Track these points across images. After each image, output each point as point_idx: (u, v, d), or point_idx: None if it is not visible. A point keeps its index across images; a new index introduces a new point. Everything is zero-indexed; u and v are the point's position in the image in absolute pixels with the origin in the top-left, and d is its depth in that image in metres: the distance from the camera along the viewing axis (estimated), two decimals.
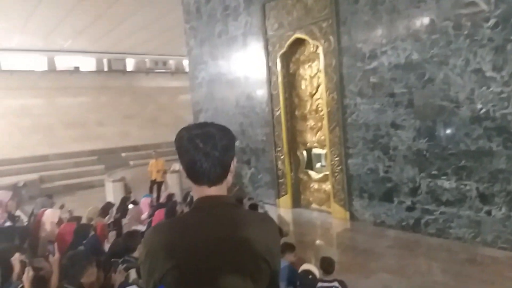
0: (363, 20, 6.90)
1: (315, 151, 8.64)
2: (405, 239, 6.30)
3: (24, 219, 7.74)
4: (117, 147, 19.09)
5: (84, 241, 4.79)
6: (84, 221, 6.11)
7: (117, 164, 16.78)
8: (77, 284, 3.16)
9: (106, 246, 5.17)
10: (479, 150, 5.60)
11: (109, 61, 20.90)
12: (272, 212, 8.13)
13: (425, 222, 6.31)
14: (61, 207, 8.07)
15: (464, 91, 5.68)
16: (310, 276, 3.85)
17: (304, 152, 8.78)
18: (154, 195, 10.63)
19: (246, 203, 6.92)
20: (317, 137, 8.35)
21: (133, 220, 7.07)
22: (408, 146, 6.43)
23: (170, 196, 8.23)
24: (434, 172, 6.13)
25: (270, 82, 8.89)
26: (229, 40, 9.93)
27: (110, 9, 12.79)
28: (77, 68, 19.86)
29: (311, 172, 8.66)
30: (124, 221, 6.84)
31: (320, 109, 8.10)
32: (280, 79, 8.66)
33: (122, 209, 7.48)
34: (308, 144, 8.64)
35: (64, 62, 19.75)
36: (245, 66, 9.59)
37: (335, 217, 7.73)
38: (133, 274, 3.39)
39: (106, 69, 20.90)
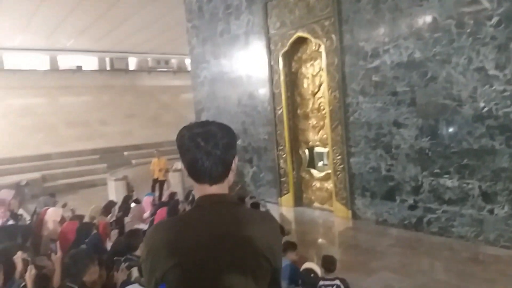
0: (365, 19, 6.89)
1: (317, 149, 8.64)
2: (407, 238, 6.29)
3: (27, 217, 7.76)
4: (119, 146, 19.14)
5: (86, 240, 4.80)
6: (86, 219, 6.14)
7: (119, 163, 16.84)
8: (79, 282, 3.17)
9: (108, 245, 5.18)
10: (482, 149, 5.59)
11: (111, 60, 20.92)
12: (274, 210, 8.12)
13: (427, 220, 6.30)
14: (64, 205, 8.10)
15: (467, 90, 5.66)
16: (312, 275, 3.85)
17: (306, 151, 8.78)
18: (156, 193, 10.67)
19: (248, 201, 6.93)
20: (319, 136, 8.34)
21: (135, 219, 7.08)
22: (410, 144, 6.42)
23: (172, 195, 8.24)
24: (436, 170, 6.11)
25: (272, 80, 8.89)
26: (231, 39, 9.93)
27: (112, 8, 12.80)
28: (79, 67, 19.88)
29: (313, 171, 8.66)
30: (126, 219, 6.85)
31: (322, 107, 8.10)
32: (282, 77, 8.66)
33: (124, 208, 7.49)
34: (310, 143, 8.63)
35: (66, 61, 19.78)
36: (247, 65, 9.59)
37: (337, 216, 7.73)
38: (135, 272, 3.39)
39: (108, 68, 20.93)
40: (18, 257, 3.61)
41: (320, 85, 8.10)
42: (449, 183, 5.97)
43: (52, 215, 6.31)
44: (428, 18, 6.03)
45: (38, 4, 12.03)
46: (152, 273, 1.28)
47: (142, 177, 12.07)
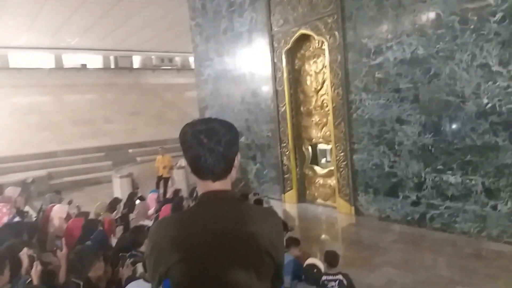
0: (368, 16, 6.89)
1: (320, 146, 8.65)
2: (410, 234, 6.31)
3: (33, 214, 7.81)
4: (124, 143, 19.21)
5: (92, 236, 4.85)
6: (92, 216, 6.19)
7: (124, 160, 16.92)
8: (85, 278, 3.22)
9: (113, 241, 5.23)
10: (485, 145, 5.59)
11: (115, 59, 20.99)
12: (277, 207, 8.17)
13: (430, 216, 6.31)
14: (69, 202, 8.15)
15: (470, 86, 5.65)
16: (315, 270, 3.88)
17: (309, 148, 8.79)
18: (161, 190, 10.71)
19: (252, 198, 6.96)
20: (322, 133, 8.35)
21: (140, 215, 7.13)
22: (413, 141, 6.43)
23: (177, 192, 8.30)
24: (439, 167, 6.12)
25: (275, 78, 8.90)
26: (235, 36, 9.95)
27: (116, 6, 12.84)
28: (84, 66, 19.96)
29: (316, 168, 8.67)
30: (131, 216, 6.90)
31: (325, 104, 8.10)
32: (285, 75, 8.67)
33: (129, 205, 7.55)
34: (313, 140, 8.64)
35: (71, 60, 19.86)
36: (250, 63, 9.61)
37: (340, 212, 7.75)
38: (140, 268, 3.44)
39: (112, 66, 20.99)
40: (24, 254, 3.65)
41: (323, 82, 8.11)
42: (452, 179, 5.98)
43: (58, 212, 6.36)
44: (432, 15, 6.02)
45: (42, 3, 12.08)
46: (156, 269, 1.30)
47: (147, 174, 12.12)
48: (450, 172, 5.99)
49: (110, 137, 19.00)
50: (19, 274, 3.53)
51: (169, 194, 9.33)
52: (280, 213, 7.75)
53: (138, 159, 17.80)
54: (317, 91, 8.31)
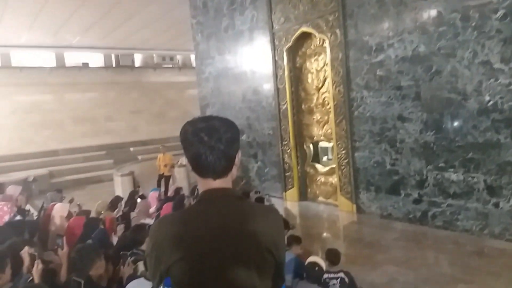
0: (369, 13, 6.87)
1: (322, 144, 8.64)
2: (412, 232, 6.30)
3: (34, 213, 7.83)
4: (125, 141, 19.24)
5: (93, 235, 4.85)
6: (93, 215, 6.19)
7: (125, 159, 16.92)
8: (86, 276, 3.21)
9: (114, 239, 5.23)
10: (487, 142, 5.57)
11: (117, 57, 20.95)
12: (279, 205, 8.17)
13: (432, 214, 6.31)
14: (71, 201, 8.15)
15: (472, 83, 5.64)
16: (317, 268, 3.87)
17: (311, 146, 8.78)
18: (162, 189, 10.71)
19: (253, 196, 6.97)
20: (323, 131, 8.34)
21: (141, 214, 7.15)
22: (415, 138, 6.41)
23: (178, 190, 8.29)
24: (441, 164, 6.11)
25: (276, 76, 8.89)
26: (236, 34, 9.93)
27: (117, 5, 12.81)
28: (85, 64, 19.92)
29: (318, 165, 8.67)
30: (133, 214, 6.91)
31: (326, 102, 8.09)
32: (286, 73, 8.66)
33: (131, 203, 7.55)
34: (314, 138, 8.64)
35: (72, 58, 19.82)
36: (251, 61, 9.59)
37: (342, 210, 7.74)
38: (141, 266, 3.43)
39: (114, 64, 20.96)
40: (25, 252, 3.65)
41: (324, 80, 8.09)
42: (454, 177, 5.97)
43: (59, 211, 6.36)
44: (433, 12, 6.00)
45: (44, 1, 12.07)
46: (157, 267, 1.30)
47: (148, 172, 12.14)
48: (452, 169, 5.98)
49: (111, 136, 19.03)
50: (20, 273, 3.53)
51: (170, 193, 9.32)
52: (281, 211, 7.75)
53: (139, 157, 17.80)
54: (318, 89, 8.30)
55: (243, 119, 9.74)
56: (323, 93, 8.18)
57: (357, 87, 7.19)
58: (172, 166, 11.29)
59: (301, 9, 8.08)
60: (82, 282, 3.12)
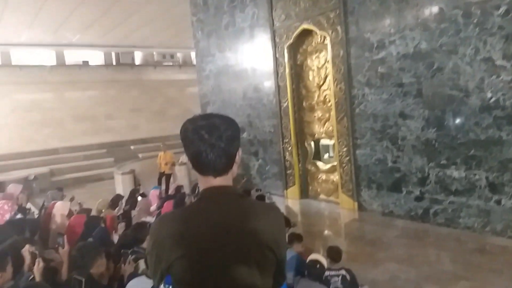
0: (371, 10, 6.84)
1: (323, 142, 8.62)
2: (414, 229, 6.29)
3: (35, 211, 7.83)
4: (126, 140, 19.23)
5: (93, 233, 4.84)
6: (94, 213, 6.19)
7: (126, 157, 16.90)
8: (87, 274, 3.21)
9: (115, 238, 5.23)
10: (489, 139, 5.56)
11: (117, 55, 20.93)
12: (280, 203, 8.17)
13: (434, 212, 6.29)
14: (71, 199, 8.15)
15: (474, 80, 5.62)
16: (318, 266, 3.86)
17: (312, 143, 8.77)
18: (163, 187, 10.72)
19: (254, 194, 6.96)
20: (325, 128, 8.32)
21: (142, 212, 7.15)
22: (416, 136, 6.39)
23: (179, 188, 8.29)
24: (443, 161, 6.09)
25: (277, 73, 8.87)
26: (236, 32, 9.90)
27: (117, 2, 12.79)
28: (86, 62, 19.90)
29: (319, 163, 8.65)
30: (133, 213, 6.91)
31: (327, 100, 8.07)
32: (287, 70, 8.63)
33: (131, 201, 7.55)
34: (316, 135, 8.62)
35: (72, 57, 19.81)
36: (252, 58, 9.57)
37: (343, 208, 7.73)
38: (142, 264, 3.43)
39: (114, 62, 20.94)
40: (26, 251, 3.65)
41: (325, 77, 8.07)
42: (455, 174, 5.95)
43: (60, 209, 6.36)
44: (435, 9, 5.97)
45: (43, 0, 12.05)
46: (158, 265, 1.30)
47: (149, 170, 12.12)
48: (453, 166, 5.96)
49: (112, 134, 19.02)
50: (21, 271, 3.53)
51: (171, 191, 9.33)
52: (282, 209, 7.74)
53: (140, 155, 17.81)
54: (320, 86, 8.27)
55: (243, 117, 9.73)
56: (324, 90, 8.15)
57: (358, 84, 7.17)
58: (173, 164, 11.28)
59: (302, 6, 8.05)
60: (83, 280, 3.12)
